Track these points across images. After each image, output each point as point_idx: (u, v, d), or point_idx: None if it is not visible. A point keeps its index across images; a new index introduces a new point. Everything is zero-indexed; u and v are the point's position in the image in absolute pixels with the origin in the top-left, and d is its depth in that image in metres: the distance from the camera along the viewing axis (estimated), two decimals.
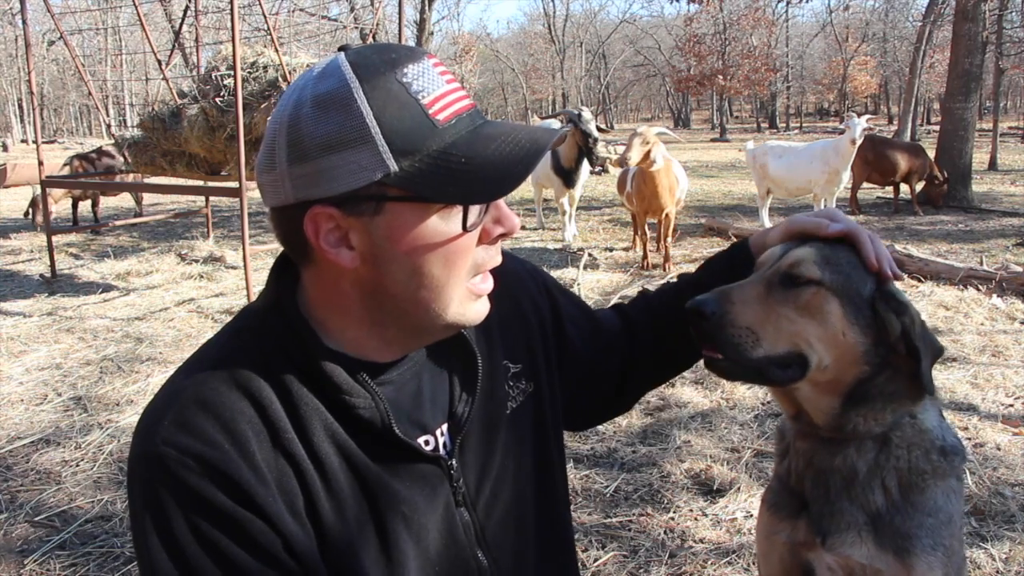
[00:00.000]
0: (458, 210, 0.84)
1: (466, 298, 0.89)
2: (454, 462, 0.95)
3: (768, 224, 8.82)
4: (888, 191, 11.08)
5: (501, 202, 0.87)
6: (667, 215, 6.78)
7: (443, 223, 0.84)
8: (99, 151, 10.20)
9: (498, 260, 0.91)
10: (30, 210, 9.90)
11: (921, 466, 1.08)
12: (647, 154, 6.27)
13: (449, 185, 0.82)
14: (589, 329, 1.21)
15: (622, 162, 6.39)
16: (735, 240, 1.25)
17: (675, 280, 1.29)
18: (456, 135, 0.83)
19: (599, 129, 7.74)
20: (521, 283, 1.14)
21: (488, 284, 0.91)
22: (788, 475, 1.15)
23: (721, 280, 1.18)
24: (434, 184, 0.82)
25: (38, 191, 8.56)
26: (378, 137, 0.80)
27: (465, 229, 0.85)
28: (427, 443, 0.95)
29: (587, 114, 7.64)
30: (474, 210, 0.85)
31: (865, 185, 10.69)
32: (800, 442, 1.13)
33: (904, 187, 10.43)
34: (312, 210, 0.82)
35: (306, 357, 0.87)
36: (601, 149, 8.10)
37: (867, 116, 8.67)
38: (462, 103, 0.85)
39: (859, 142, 8.20)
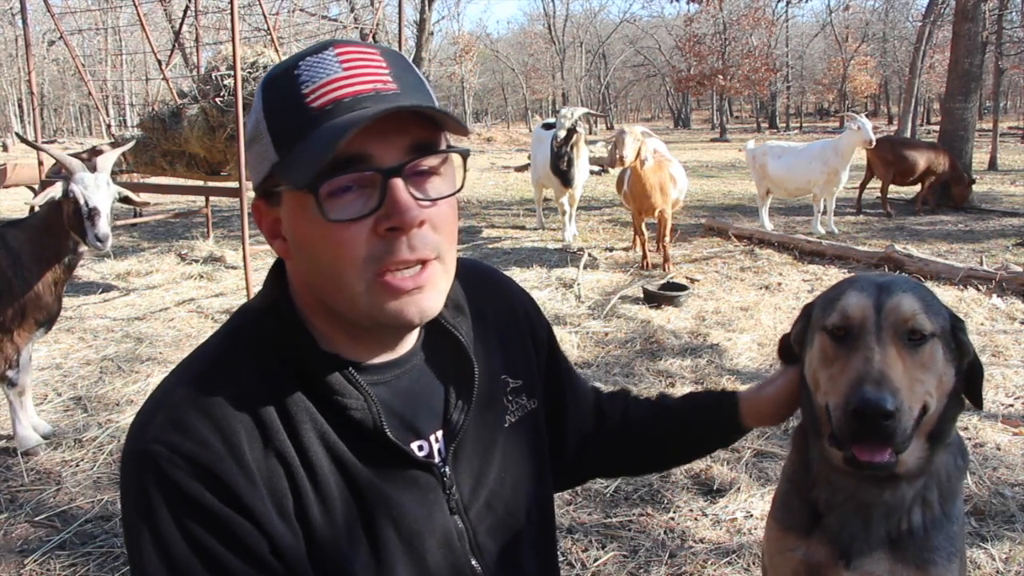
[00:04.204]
0: (330, 198, 0.82)
1: (380, 292, 0.83)
2: (447, 469, 0.95)
3: (768, 225, 8.81)
4: (893, 191, 11.05)
5: (399, 193, 0.81)
6: (662, 214, 6.77)
7: (318, 210, 0.82)
8: (92, 151, 10.17)
9: (404, 255, 0.82)
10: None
11: (952, 471, 1.09)
12: (638, 152, 6.28)
13: (292, 171, 0.82)
14: (573, 387, 1.23)
15: (614, 161, 6.39)
16: (724, 390, 1.29)
17: (654, 398, 1.31)
18: (325, 120, 0.80)
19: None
20: (523, 307, 1.15)
21: (410, 281, 0.84)
22: (815, 502, 1.13)
23: (701, 417, 1.23)
24: (288, 171, 0.83)
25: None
26: (266, 131, 0.84)
27: (326, 218, 0.81)
28: (421, 448, 0.94)
29: (564, 111, 7.55)
30: (345, 199, 0.81)
31: (868, 185, 10.69)
32: (841, 479, 1.09)
33: (904, 186, 10.42)
34: (254, 202, 0.90)
35: (299, 357, 0.88)
36: (600, 149, 8.07)
37: (863, 115, 8.70)
38: (354, 87, 0.81)
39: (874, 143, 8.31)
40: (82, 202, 3.27)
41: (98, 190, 3.33)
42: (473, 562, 0.96)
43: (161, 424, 0.82)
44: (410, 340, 0.96)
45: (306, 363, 0.88)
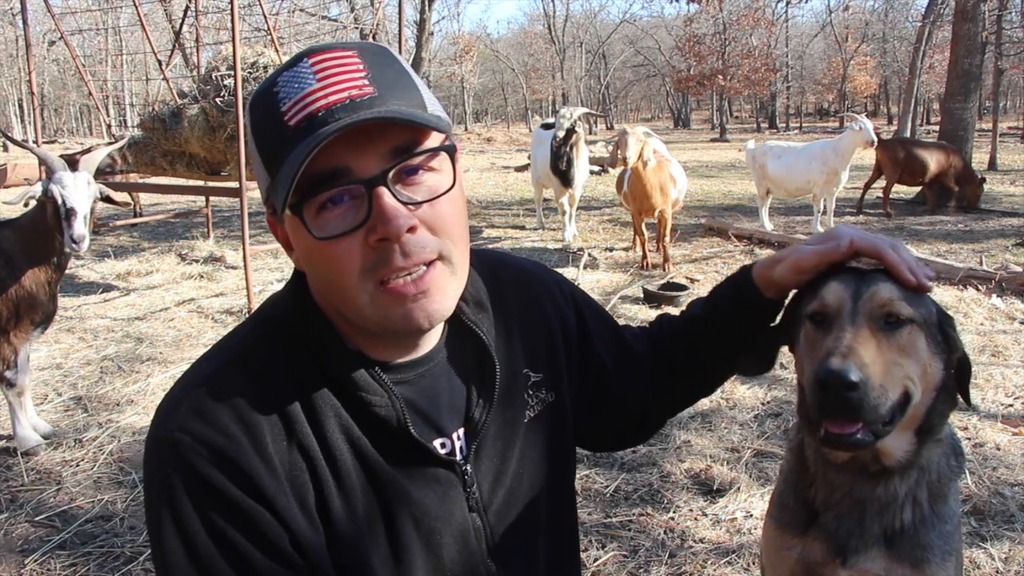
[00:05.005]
0: (320, 214, 0.82)
1: (384, 300, 0.83)
2: (468, 467, 0.95)
3: (768, 225, 8.81)
4: (894, 191, 11.06)
5: (384, 202, 0.80)
6: (662, 214, 6.77)
7: (312, 227, 0.82)
8: (88, 152, 10.17)
9: (399, 262, 0.82)
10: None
11: (944, 472, 1.09)
12: (640, 152, 6.29)
13: (274, 194, 0.83)
14: (618, 350, 1.18)
15: (614, 162, 6.38)
16: (743, 265, 1.20)
17: (686, 309, 1.24)
18: (301, 138, 0.79)
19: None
20: (548, 292, 1.12)
21: (412, 286, 0.83)
22: (812, 502, 1.13)
23: (726, 312, 1.13)
24: (273, 193, 0.84)
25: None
26: (256, 152, 0.85)
27: (313, 235, 0.81)
28: (443, 446, 0.95)
29: (564, 111, 7.58)
30: (335, 213, 0.81)
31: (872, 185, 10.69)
32: (836, 475, 1.10)
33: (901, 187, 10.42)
34: (267, 216, 0.91)
35: (324, 352, 0.89)
36: (600, 149, 8.09)
37: (863, 116, 8.72)
38: (328, 99, 0.80)
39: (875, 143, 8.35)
40: (60, 202, 3.24)
41: (76, 190, 3.27)
42: (489, 560, 0.97)
43: (186, 412, 0.82)
44: (432, 338, 0.96)
45: (332, 359, 0.88)
